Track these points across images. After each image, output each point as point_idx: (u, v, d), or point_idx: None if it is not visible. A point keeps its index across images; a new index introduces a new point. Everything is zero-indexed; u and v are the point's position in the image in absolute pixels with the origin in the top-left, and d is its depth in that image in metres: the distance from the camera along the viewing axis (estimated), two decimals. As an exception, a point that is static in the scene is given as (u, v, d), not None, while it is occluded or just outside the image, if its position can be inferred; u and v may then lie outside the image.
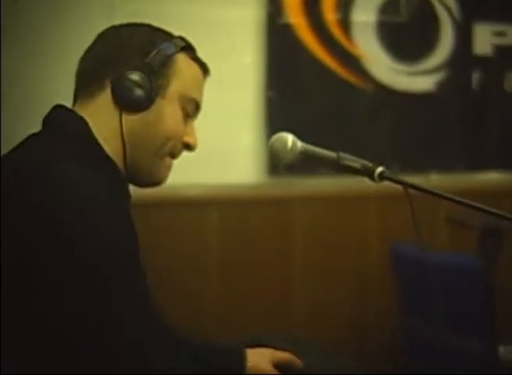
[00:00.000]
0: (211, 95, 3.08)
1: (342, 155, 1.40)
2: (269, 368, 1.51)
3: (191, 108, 1.26)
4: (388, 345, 3.07)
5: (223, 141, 3.01)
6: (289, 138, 1.38)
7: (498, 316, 2.42)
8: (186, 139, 1.25)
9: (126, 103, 1.19)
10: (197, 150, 2.94)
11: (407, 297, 2.85)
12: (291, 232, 3.11)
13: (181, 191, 2.95)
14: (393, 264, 2.91)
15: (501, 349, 2.65)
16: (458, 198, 1.33)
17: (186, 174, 2.98)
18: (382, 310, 3.11)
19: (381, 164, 1.38)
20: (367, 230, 3.19)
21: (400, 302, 2.88)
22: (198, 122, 3.02)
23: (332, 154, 1.40)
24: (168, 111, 1.22)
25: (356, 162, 1.39)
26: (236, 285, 3.01)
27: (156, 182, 1.27)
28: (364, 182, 3.20)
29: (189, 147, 1.26)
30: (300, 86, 3.15)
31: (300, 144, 1.39)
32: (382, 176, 1.36)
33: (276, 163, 1.39)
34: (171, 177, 3.15)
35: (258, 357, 1.50)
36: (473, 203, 1.31)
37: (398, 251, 2.85)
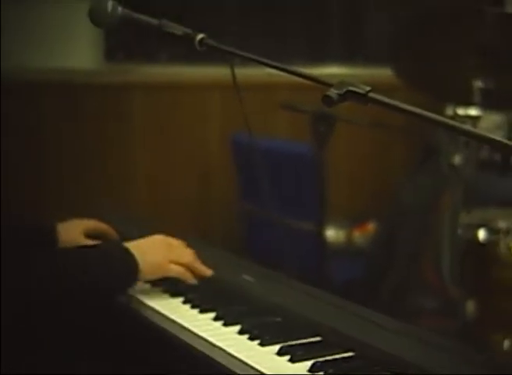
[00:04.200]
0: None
1: (164, 22, 1.40)
2: (81, 239, 1.52)
3: None
4: (227, 230, 3.18)
5: (60, 26, 2.91)
6: (110, 2, 1.37)
7: (326, 198, 2.55)
8: None
9: None
10: (34, 35, 2.89)
11: (245, 183, 2.94)
12: (130, 119, 3.09)
13: (17, 75, 2.86)
14: (233, 152, 2.98)
15: (329, 232, 2.81)
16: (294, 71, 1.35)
17: (27, 58, 2.89)
18: (221, 196, 3.20)
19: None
20: (209, 118, 3.22)
21: (239, 188, 2.97)
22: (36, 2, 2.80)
23: (154, 20, 1.40)
24: None
25: (178, 29, 1.39)
26: (77, 166, 3.00)
27: None
28: (205, 71, 3.22)
29: None
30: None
31: (120, 8, 1.37)
32: (202, 43, 1.37)
33: (97, 25, 1.37)
34: (14, 60, 3.01)
35: (68, 229, 1.51)
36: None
37: (237, 140, 2.91)
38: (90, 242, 1.54)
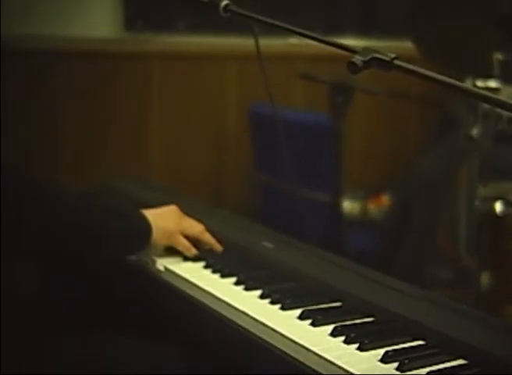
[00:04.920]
0: None
1: (188, -13, 1.40)
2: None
3: None
4: (244, 200, 3.20)
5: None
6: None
7: (343, 170, 2.55)
8: None
9: None
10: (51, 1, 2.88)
11: (262, 153, 2.94)
12: (147, 88, 3.09)
13: (34, 43, 2.86)
14: (251, 122, 2.98)
15: (344, 203, 2.82)
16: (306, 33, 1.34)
17: (38, 25, 2.88)
18: (239, 165, 3.21)
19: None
20: (226, 89, 3.22)
21: (256, 159, 2.98)
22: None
23: (178, -14, 1.40)
24: None
25: (203, -5, 1.39)
26: (90, 134, 3.01)
27: None
28: (224, 42, 3.21)
29: None
30: None
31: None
32: (227, 9, 1.37)
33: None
34: (21, 30, 3.02)
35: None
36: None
37: (255, 110, 2.91)
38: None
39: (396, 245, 2.83)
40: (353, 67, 1.14)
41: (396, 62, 1.16)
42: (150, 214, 1.42)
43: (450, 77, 1.10)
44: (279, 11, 3.32)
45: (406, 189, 2.96)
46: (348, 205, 3.07)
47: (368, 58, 1.15)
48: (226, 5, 1.37)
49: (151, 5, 2.80)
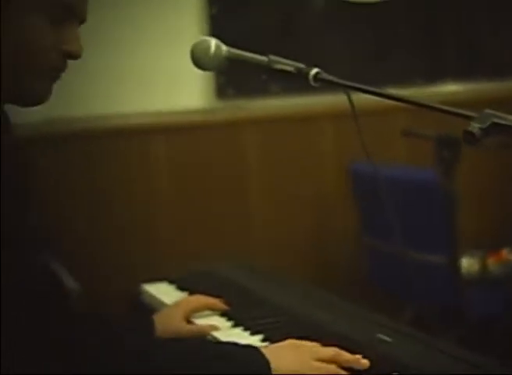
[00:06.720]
0: (152, 17, 2.91)
1: (273, 58, 1.27)
2: (183, 325, 1.36)
3: (58, 11, 1.07)
4: (350, 266, 3.01)
5: (168, 66, 2.86)
6: (213, 42, 1.25)
7: (458, 227, 2.35)
8: (65, 47, 1.08)
9: None
10: (141, 76, 2.84)
11: (367, 215, 2.76)
12: (244, 156, 2.98)
13: (128, 120, 2.82)
14: (351, 182, 2.82)
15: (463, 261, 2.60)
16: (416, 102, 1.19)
17: (131, 102, 2.85)
18: (341, 231, 3.03)
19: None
20: (323, 149, 3.07)
21: (360, 221, 2.80)
22: (141, 47, 2.82)
23: (262, 58, 1.27)
24: (25, 22, 1.04)
25: (288, 65, 1.26)
26: (190, 213, 2.90)
27: (38, 100, 1.09)
28: (317, 101, 3.09)
29: (71, 55, 1.09)
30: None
31: (225, 48, 1.26)
32: (317, 78, 1.23)
33: (201, 68, 1.25)
34: (118, 106, 3.02)
35: (169, 316, 1.37)
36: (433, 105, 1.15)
37: (355, 169, 2.75)
38: (195, 328, 1.39)
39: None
40: (470, 138, 0.97)
41: (521, 125, 0.98)
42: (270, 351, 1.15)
43: None
44: (377, 61, 3.19)
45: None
46: (466, 263, 2.85)
47: (487, 124, 0.98)
48: (316, 74, 1.23)
49: (242, 72, 2.71)
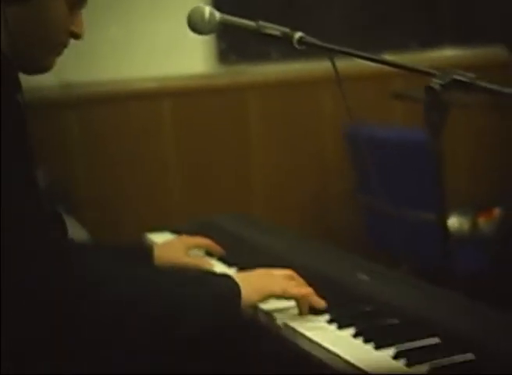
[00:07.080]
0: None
1: (261, 23, 1.38)
2: (184, 257, 1.51)
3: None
4: (347, 224, 3.14)
5: (172, 33, 2.97)
6: (207, 9, 1.37)
7: (446, 187, 2.46)
8: (73, 29, 1.25)
9: None
10: (147, 43, 2.96)
11: (362, 175, 2.89)
12: (246, 119, 3.11)
13: (134, 85, 2.94)
14: (348, 144, 2.94)
15: (452, 220, 2.72)
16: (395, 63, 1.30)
17: (137, 68, 2.97)
18: (340, 190, 3.17)
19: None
20: (322, 112, 3.19)
21: (357, 180, 2.93)
22: (147, 16, 2.92)
23: (251, 23, 1.39)
24: (50, 4, 1.21)
25: (276, 29, 1.38)
26: (195, 173, 3.04)
27: (43, 70, 1.27)
28: (316, 66, 3.20)
29: (76, 36, 1.26)
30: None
31: (218, 14, 1.37)
32: (301, 42, 1.35)
33: (198, 32, 1.38)
34: (124, 72, 3.13)
35: (169, 248, 1.51)
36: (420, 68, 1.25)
37: (351, 131, 2.86)
38: (192, 261, 1.54)
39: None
40: (431, 92, 1.09)
41: (478, 82, 1.10)
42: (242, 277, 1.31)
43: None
44: (378, 24, 3.28)
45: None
46: (456, 222, 2.96)
47: (447, 80, 1.10)
48: (300, 38, 1.35)
49: (243, 37, 2.81)
